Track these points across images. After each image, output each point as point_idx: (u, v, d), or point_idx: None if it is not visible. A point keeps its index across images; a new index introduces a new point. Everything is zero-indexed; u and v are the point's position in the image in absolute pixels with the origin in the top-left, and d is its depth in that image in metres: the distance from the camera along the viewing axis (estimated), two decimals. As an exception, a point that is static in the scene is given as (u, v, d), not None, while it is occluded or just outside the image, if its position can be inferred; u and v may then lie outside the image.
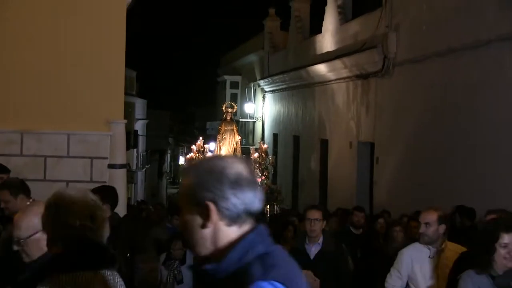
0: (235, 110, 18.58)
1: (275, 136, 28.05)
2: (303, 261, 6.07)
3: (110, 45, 8.71)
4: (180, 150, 64.47)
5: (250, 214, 2.26)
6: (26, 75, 8.58)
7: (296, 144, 25.24)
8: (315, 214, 6.97)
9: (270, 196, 16.72)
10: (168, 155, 62.26)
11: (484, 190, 11.59)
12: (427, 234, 6.14)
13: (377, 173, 17.28)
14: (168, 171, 62.32)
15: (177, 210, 7.79)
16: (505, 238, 4.66)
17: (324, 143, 21.77)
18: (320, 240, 6.90)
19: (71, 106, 8.61)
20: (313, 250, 6.87)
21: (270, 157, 17.50)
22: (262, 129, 30.72)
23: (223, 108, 18.22)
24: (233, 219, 2.23)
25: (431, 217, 6.19)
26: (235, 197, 2.21)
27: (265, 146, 17.67)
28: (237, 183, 2.22)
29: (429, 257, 6.19)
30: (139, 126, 42.94)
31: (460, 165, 12.70)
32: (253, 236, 2.23)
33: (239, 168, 2.25)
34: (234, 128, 17.65)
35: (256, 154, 17.28)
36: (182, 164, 61.04)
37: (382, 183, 16.77)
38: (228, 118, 17.91)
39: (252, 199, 2.25)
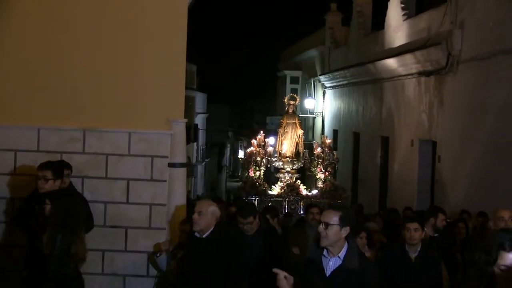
0: (297, 102, 18.31)
1: (335, 132, 27.88)
2: (317, 277, 5.24)
3: (172, 43, 8.69)
4: (239, 144, 64.63)
5: None
6: (88, 74, 8.63)
7: (356, 141, 25.05)
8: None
9: (334, 193, 16.31)
10: (228, 149, 62.51)
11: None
12: None
13: (438, 171, 16.99)
14: (227, 164, 62.57)
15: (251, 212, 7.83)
16: None
17: (385, 141, 21.53)
18: (342, 253, 5.26)
19: (132, 105, 8.63)
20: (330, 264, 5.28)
21: (335, 153, 17.10)
22: (322, 125, 30.58)
23: (285, 101, 17.93)
24: None
25: None
26: None
27: (329, 140, 17.29)
28: None
29: None
30: (199, 120, 43.18)
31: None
32: None
33: None
34: (297, 122, 17.32)
35: (319, 149, 16.94)
36: (241, 158, 61.22)
37: (443, 182, 16.48)
38: (290, 111, 17.57)
39: None
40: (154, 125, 8.58)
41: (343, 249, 5.21)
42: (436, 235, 8.71)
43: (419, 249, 7.13)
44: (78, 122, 8.57)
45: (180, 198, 8.77)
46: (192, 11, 9.37)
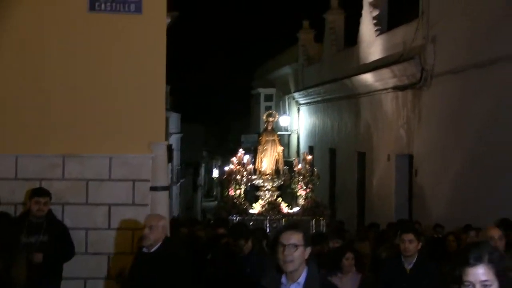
0: (276, 119, 18.20)
1: (310, 149, 27.88)
2: None
3: (151, 67, 8.67)
4: (214, 163, 64.52)
5: None
6: (67, 99, 8.57)
7: (333, 157, 25.09)
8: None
9: (316, 210, 16.18)
10: (203, 169, 62.36)
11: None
12: None
13: (416, 185, 17.06)
14: (202, 184, 62.39)
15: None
16: None
17: (362, 156, 21.58)
18: (302, 278, 4.57)
19: (113, 129, 8.57)
20: None
21: (315, 169, 16.98)
22: (297, 142, 30.61)
23: (264, 118, 17.80)
24: None
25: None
26: None
27: (310, 157, 17.18)
28: None
29: None
30: (174, 140, 43.04)
31: (504, 177, 12.46)
32: None
33: None
34: (276, 138, 17.15)
35: (300, 166, 16.82)
36: (216, 177, 61.14)
37: (421, 195, 16.54)
38: (269, 127, 17.36)
39: None
40: (135, 148, 8.53)
41: (303, 273, 4.56)
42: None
43: (414, 260, 7.03)
44: (57, 148, 8.48)
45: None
46: (168, 33, 9.35)
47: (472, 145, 13.68)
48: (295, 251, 4.49)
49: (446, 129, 15.08)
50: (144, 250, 6.61)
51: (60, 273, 7.86)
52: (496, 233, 6.61)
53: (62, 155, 8.49)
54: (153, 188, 8.55)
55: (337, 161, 24.69)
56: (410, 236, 7.03)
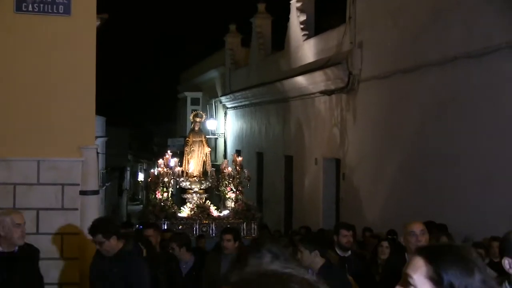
0: (204, 119, 17.93)
1: (238, 153, 27.87)
2: None
3: (81, 70, 8.53)
4: (139, 167, 63.96)
5: None
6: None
7: (260, 161, 25.16)
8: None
9: (247, 213, 15.98)
10: (128, 172, 61.71)
11: (453, 205, 11.64)
12: None
13: (343, 189, 17.26)
14: (128, 188, 61.74)
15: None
16: None
17: (289, 160, 21.72)
18: None
19: (41, 132, 8.39)
20: None
21: (246, 171, 16.76)
22: (224, 145, 30.60)
23: (191, 118, 17.45)
24: None
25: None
26: None
27: (240, 158, 16.98)
28: None
29: None
30: (98, 143, 42.34)
31: (430, 180, 12.73)
32: None
33: None
34: (203, 139, 16.78)
35: (230, 168, 16.58)
36: (141, 181, 60.53)
37: (348, 199, 16.75)
38: (196, 128, 16.95)
39: None
40: (64, 152, 8.36)
41: None
42: (348, 254, 8.06)
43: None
44: (-17, 152, 8.25)
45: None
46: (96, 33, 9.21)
47: (402, 149, 13.91)
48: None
49: (375, 133, 15.29)
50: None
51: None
52: (418, 227, 6.32)
53: (-12, 158, 8.26)
54: (82, 192, 8.40)
55: (264, 165, 24.77)
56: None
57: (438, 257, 2.45)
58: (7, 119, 8.36)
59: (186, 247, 8.99)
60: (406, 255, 6.41)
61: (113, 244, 6.50)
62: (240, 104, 28.08)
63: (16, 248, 6.25)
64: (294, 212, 21.11)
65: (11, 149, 8.31)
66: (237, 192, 16.26)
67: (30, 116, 8.42)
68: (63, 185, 8.36)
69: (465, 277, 2.38)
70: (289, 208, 21.65)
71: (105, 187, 44.70)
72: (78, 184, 8.41)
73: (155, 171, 17.00)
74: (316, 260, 6.30)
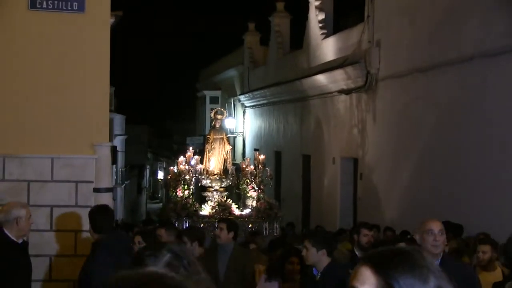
0: (225, 116, 17.72)
1: (256, 152, 27.87)
2: None
3: (95, 68, 8.55)
4: (158, 165, 64.11)
5: None
6: (7, 99, 8.38)
7: (278, 160, 25.12)
8: None
9: (270, 212, 15.63)
10: (147, 170, 61.92)
11: (469, 205, 11.54)
12: None
13: (361, 189, 17.19)
14: (147, 186, 61.95)
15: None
16: None
17: (307, 159, 21.67)
18: None
19: (55, 130, 8.42)
20: None
21: (268, 169, 16.43)
22: (243, 144, 30.59)
23: (212, 115, 17.18)
24: None
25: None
26: None
27: (262, 157, 16.58)
28: None
29: None
30: (118, 142, 42.63)
31: (446, 180, 12.63)
32: None
33: None
34: (224, 137, 16.47)
35: (252, 166, 16.23)
36: (160, 179, 60.64)
37: (366, 199, 16.67)
38: (217, 125, 16.66)
39: None
40: (78, 149, 8.39)
41: None
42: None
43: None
44: (-3, 149, 8.29)
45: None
46: (112, 33, 9.22)
47: (420, 148, 13.82)
48: None
49: (390, 132, 15.23)
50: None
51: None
52: (436, 226, 5.92)
53: (3, 155, 8.31)
54: (96, 190, 8.42)
55: (282, 164, 24.74)
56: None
57: (387, 265, 2.17)
58: (21, 117, 8.40)
59: (198, 242, 8.88)
60: None
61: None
62: (258, 103, 28.07)
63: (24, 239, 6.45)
64: (312, 211, 21.06)
65: (25, 146, 8.35)
66: (259, 190, 15.95)
67: (44, 114, 8.45)
68: (76, 182, 8.39)
69: (419, 286, 2.14)
70: (307, 207, 21.60)
71: (124, 185, 44.93)
72: (91, 182, 8.44)
73: (174, 168, 16.76)
74: (322, 259, 6.23)
